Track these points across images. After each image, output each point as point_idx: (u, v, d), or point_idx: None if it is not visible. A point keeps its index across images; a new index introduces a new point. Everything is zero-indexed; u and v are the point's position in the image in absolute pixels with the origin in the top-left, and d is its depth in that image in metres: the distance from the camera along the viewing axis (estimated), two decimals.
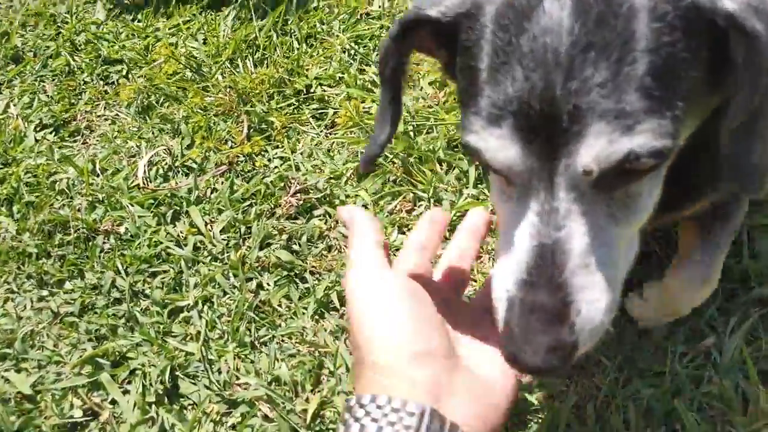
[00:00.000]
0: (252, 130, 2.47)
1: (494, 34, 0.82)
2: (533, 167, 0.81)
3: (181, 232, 2.15)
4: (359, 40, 2.84)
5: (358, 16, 2.96)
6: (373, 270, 0.99)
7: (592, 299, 0.83)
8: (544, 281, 0.82)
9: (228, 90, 2.62)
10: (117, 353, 1.86)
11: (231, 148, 2.40)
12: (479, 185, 2.13)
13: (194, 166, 2.36)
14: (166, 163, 2.40)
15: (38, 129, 2.63)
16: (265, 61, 2.79)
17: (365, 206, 2.12)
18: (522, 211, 0.85)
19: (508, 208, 0.90)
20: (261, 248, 2.06)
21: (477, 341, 0.98)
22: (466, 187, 2.13)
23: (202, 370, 1.80)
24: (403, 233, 2.05)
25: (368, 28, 2.89)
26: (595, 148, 0.77)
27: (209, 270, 2.02)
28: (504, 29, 0.80)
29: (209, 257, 2.07)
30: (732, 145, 0.86)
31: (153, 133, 2.53)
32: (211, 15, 3.07)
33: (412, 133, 2.32)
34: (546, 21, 0.76)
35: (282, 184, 2.24)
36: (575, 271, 0.82)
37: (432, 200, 2.10)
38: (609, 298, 0.85)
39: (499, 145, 0.81)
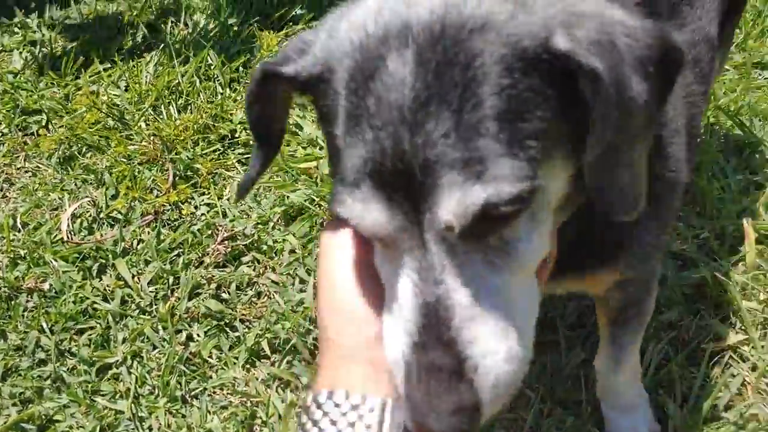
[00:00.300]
0: (177, 177, 2.47)
1: (347, 99, 0.81)
2: (400, 225, 0.80)
3: (107, 286, 2.13)
4: None
5: None
6: (354, 237, 0.91)
7: (487, 351, 0.79)
8: (434, 341, 0.79)
9: (152, 138, 2.62)
10: (43, 417, 1.83)
11: (157, 197, 2.40)
12: None
13: (119, 217, 2.34)
14: (91, 215, 2.37)
15: None
16: (189, 107, 2.80)
17: (293, 250, 2.15)
18: (402, 270, 0.83)
19: (390, 269, 0.88)
20: (190, 298, 2.06)
21: None
22: None
23: (133, 428, 1.78)
24: None
25: None
26: (452, 202, 0.76)
27: (138, 324, 2.01)
28: (354, 92, 0.80)
29: (137, 310, 2.05)
30: (596, 176, 0.85)
31: (76, 184, 2.50)
32: (132, 61, 3.06)
33: None
34: (389, 79, 0.77)
35: (209, 232, 2.24)
36: (462, 326, 0.79)
37: None
38: (507, 347, 0.80)
39: (363, 209, 0.80)
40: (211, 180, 2.46)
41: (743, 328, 1.82)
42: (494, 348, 0.80)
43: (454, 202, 0.76)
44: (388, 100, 0.77)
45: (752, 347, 1.78)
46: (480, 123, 0.76)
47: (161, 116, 2.74)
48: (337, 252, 0.95)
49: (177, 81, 2.88)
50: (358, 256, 0.94)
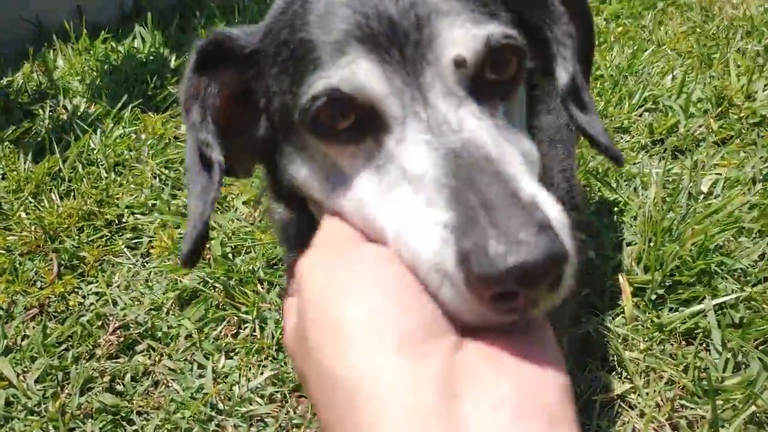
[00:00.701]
0: (62, 267, 2.38)
1: (317, 7, 0.80)
2: (399, 86, 0.73)
3: None
4: (169, 165, 2.86)
5: (167, 141, 3.00)
6: (341, 242, 0.74)
7: (533, 186, 0.67)
8: (476, 176, 0.66)
9: (33, 227, 2.52)
10: None
11: (41, 289, 2.30)
12: None
13: (0, 312, 2.22)
14: None
15: None
16: (72, 193, 2.72)
17: (189, 335, 2.11)
18: (402, 144, 0.73)
19: (370, 173, 0.76)
20: (82, 394, 1.97)
21: None
22: None
23: None
24: (231, 358, 2.05)
25: (178, 152, 2.92)
26: (458, 35, 0.74)
27: (25, 426, 1.90)
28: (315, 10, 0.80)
29: (24, 411, 1.94)
30: (582, 119, 0.88)
31: None
32: (9, 148, 2.96)
33: (231, 255, 2.36)
34: None
35: (100, 322, 2.17)
36: (503, 163, 0.68)
37: (257, 321, 2.13)
38: (542, 189, 0.68)
39: (353, 67, 0.74)
40: (99, 267, 2.39)
41: (628, 377, 1.94)
42: (534, 184, 0.68)
43: (461, 34, 0.74)
44: None
45: (638, 395, 1.90)
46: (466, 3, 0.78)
47: (42, 204, 2.65)
48: (325, 258, 0.73)
49: (58, 167, 2.81)
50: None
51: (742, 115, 2.97)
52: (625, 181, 2.65)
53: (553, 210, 0.64)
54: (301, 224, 0.92)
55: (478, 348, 0.59)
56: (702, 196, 2.51)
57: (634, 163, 2.74)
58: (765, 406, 1.76)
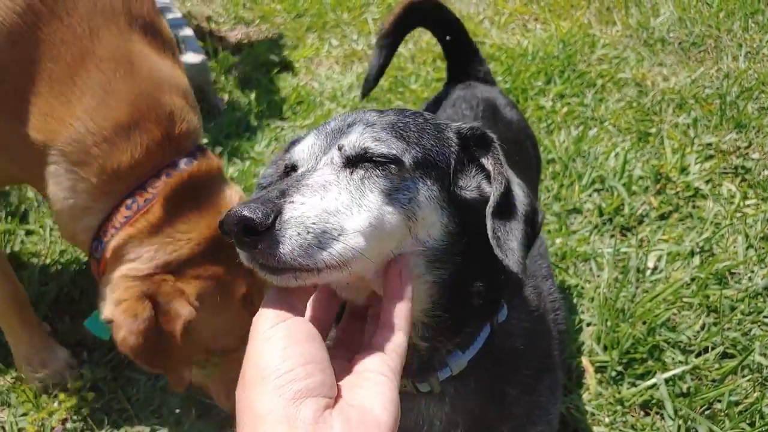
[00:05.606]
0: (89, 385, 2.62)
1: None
2: (313, 154, 1.19)
3: None
4: None
5: None
6: (279, 314, 0.99)
7: (304, 201, 1.00)
8: (275, 188, 1.03)
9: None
10: None
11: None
12: None
13: None
14: None
15: None
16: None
17: None
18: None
19: None
20: None
21: (356, 376, 1.00)
22: None
23: None
24: None
25: None
26: (351, 138, 1.16)
27: None
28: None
29: None
30: (497, 234, 1.18)
31: None
32: None
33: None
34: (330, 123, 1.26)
35: None
36: (301, 188, 1.03)
37: None
38: (320, 207, 1.01)
39: (297, 146, 1.25)
40: (117, 384, 2.63)
41: None
42: (311, 202, 1.01)
43: (352, 138, 1.17)
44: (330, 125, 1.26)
45: None
46: (386, 128, 1.21)
47: None
48: (268, 324, 0.98)
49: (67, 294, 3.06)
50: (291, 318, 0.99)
51: (678, 189, 3.33)
52: (581, 262, 2.97)
53: (293, 212, 0.98)
54: None
55: (339, 410, 0.91)
56: (649, 271, 2.84)
57: (588, 244, 3.07)
58: None
